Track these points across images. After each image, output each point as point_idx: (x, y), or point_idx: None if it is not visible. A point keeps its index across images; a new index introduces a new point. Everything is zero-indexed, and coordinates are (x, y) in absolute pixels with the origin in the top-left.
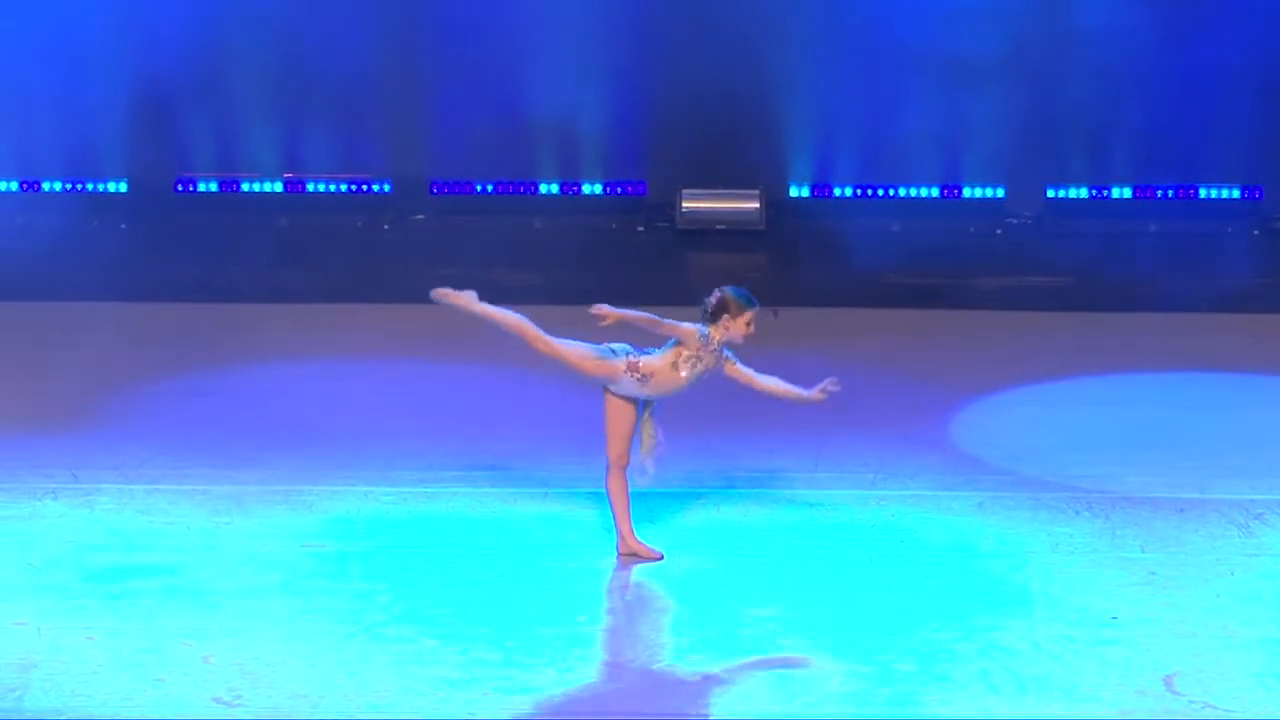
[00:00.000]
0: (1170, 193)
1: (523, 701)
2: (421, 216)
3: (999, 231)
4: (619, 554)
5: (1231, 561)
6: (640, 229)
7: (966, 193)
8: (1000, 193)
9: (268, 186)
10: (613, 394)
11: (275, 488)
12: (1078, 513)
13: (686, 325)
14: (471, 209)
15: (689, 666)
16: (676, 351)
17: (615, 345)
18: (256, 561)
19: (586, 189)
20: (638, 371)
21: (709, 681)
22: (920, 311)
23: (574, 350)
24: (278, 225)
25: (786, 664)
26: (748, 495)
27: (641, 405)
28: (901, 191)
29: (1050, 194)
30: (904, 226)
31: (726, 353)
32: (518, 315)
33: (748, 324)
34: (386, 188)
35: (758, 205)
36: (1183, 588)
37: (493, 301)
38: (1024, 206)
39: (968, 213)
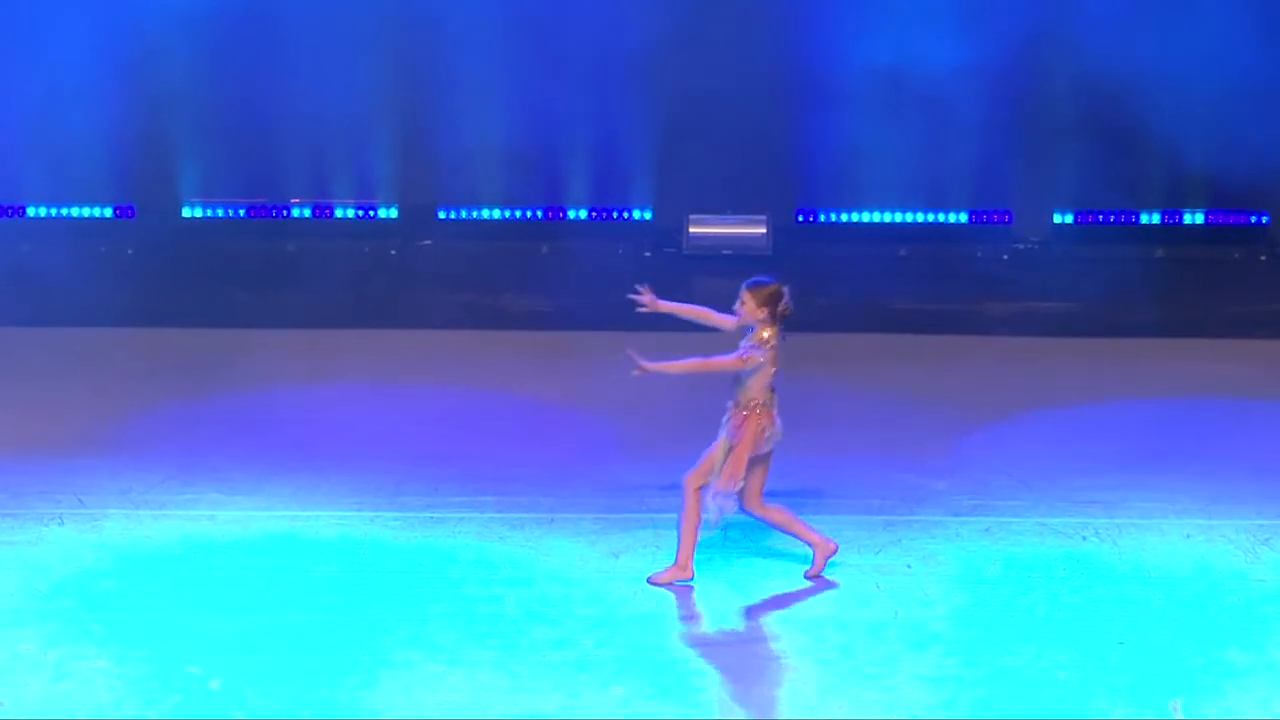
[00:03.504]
0: (1176, 218)
1: None
2: (428, 242)
3: (1006, 257)
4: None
5: (1238, 586)
6: (647, 254)
7: (973, 219)
8: (1007, 218)
9: (275, 213)
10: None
11: (281, 513)
12: (1085, 538)
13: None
14: (478, 235)
15: (700, 694)
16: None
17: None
18: (263, 587)
19: (594, 215)
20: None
21: (720, 708)
22: (927, 337)
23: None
24: (285, 251)
25: (791, 689)
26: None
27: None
28: (908, 217)
29: (1057, 219)
30: (911, 252)
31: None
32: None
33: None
34: (393, 214)
35: (765, 230)
36: (1189, 613)
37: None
38: (1031, 232)
39: (975, 238)
